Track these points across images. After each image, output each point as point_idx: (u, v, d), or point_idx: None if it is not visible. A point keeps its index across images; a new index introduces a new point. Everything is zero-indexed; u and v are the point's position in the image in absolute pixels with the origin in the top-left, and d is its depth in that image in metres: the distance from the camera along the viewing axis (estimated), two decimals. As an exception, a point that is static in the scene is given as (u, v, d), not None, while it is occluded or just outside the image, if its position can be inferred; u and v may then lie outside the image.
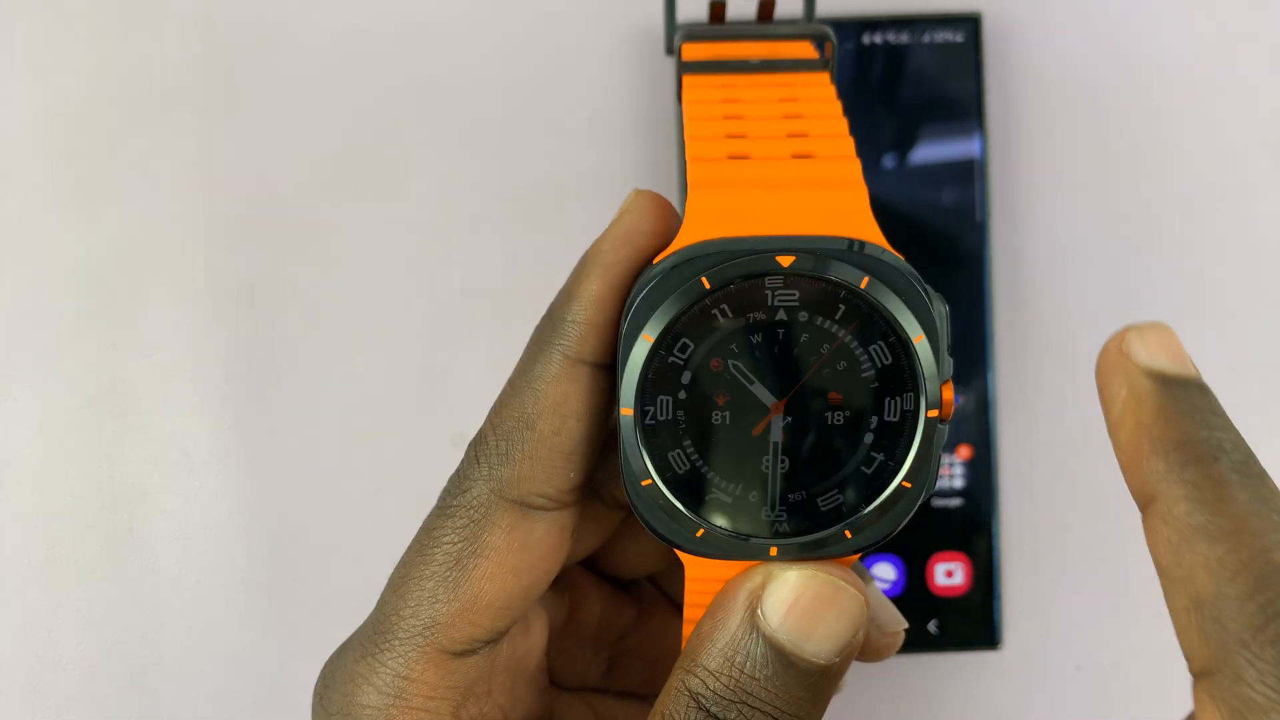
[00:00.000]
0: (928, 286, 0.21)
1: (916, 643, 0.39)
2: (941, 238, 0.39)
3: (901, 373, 0.22)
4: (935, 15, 0.39)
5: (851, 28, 0.39)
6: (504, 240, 0.40)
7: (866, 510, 0.22)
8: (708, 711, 0.20)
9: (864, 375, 0.22)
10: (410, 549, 0.24)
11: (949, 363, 0.22)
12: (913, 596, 0.39)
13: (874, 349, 0.22)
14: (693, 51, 0.25)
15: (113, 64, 0.41)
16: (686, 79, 0.24)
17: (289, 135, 0.41)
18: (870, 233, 0.21)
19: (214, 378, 0.40)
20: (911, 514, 0.22)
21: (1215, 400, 0.19)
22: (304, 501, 0.40)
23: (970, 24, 0.39)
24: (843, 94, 0.39)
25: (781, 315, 0.22)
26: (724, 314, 0.22)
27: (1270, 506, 0.18)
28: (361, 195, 0.41)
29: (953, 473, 0.39)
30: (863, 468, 0.22)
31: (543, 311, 0.24)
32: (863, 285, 0.21)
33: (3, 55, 0.41)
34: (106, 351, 0.40)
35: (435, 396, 0.40)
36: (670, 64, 0.40)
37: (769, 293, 0.21)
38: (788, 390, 0.22)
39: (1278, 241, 0.40)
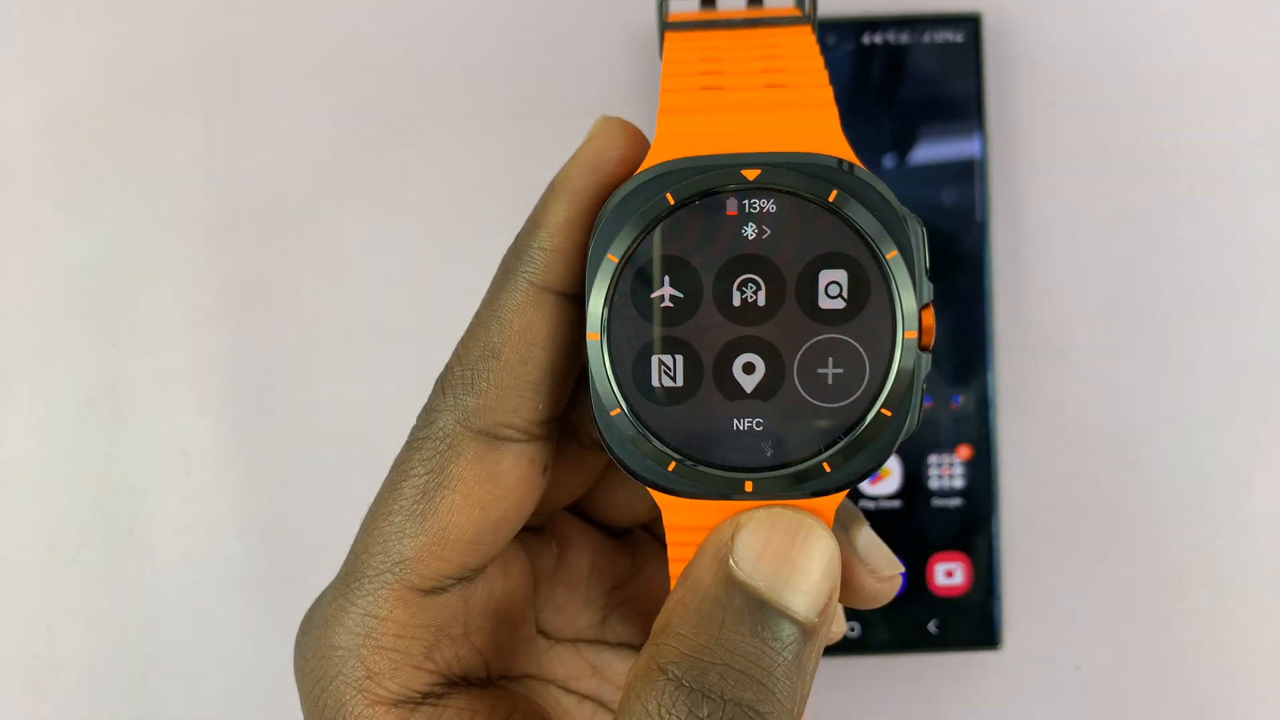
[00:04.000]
0: (903, 206, 0.21)
1: (916, 643, 0.39)
2: (941, 238, 0.39)
3: (877, 291, 0.21)
4: (935, 15, 0.39)
5: (851, 28, 0.39)
6: (504, 239, 0.40)
7: (845, 441, 0.21)
8: (684, 684, 0.19)
9: (837, 295, 0.21)
10: (381, 488, 0.23)
11: (928, 286, 0.21)
12: (913, 596, 0.39)
13: (847, 266, 0.21)
14: (678, 14, 0.24)
15: (113, 63, 0.41)
16: (669, 36, 0.24)
17: (289, 135, 0.41)
18: (841, 151, 0.21)
19: (214, 378, 0.40)
20: (895, 447, 0.21)
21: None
22: (304, 501, 0.40)
23: (970, 24, 0.39)
24: (842, 94, 0.39)
25: (750, 232, 0.21)
26: (690, 231, 0.21)
27: None
28: (362, 195, 0.41)
29: (953, 473, 0.39)
30: (841, 396, 0.21)
31: None
32: (831, 198, 0.20)
33: (3, 55, 0.41)
34: (106, 351, 0.40)
35: (435, 396, 0.40)
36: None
37: (736, 208, 0.21)
38: (758, 312, 0.21)
39: (1278, 241, 0.40)
